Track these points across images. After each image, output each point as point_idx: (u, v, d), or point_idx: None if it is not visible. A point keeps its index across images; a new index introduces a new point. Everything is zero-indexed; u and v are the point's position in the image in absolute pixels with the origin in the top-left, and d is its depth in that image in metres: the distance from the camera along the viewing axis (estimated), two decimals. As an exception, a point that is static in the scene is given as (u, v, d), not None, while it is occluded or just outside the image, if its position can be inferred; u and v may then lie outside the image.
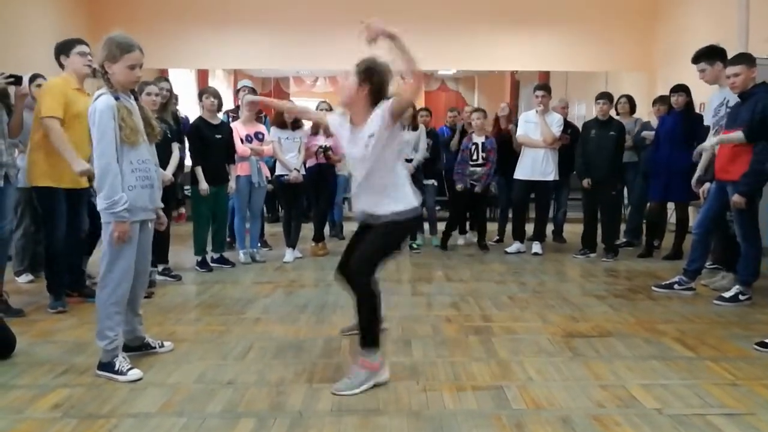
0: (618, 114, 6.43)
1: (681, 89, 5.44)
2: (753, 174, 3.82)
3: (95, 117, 2.64)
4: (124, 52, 2.68)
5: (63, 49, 3.79)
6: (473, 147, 6.08)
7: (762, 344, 3.14)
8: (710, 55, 4.40)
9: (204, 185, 4.99)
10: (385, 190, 2.69)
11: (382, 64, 2.65)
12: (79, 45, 3.79)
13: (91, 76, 3.77)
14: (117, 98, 2.68)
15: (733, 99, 4.14)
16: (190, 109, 8.36)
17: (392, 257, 2.74)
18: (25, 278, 4.70)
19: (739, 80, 3.90)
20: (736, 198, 3.89)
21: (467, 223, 6.73)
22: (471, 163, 6.07)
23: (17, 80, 3.74)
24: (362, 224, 2.82)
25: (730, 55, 4.28)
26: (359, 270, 2.64)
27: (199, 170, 5.01)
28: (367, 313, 2.61)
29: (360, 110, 2.69)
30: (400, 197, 2.70)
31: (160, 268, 4.77)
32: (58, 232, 3.80)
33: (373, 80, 2.63)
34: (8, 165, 3.71)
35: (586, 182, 5.76)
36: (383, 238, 2.67)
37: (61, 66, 3.81)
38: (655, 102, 6.16)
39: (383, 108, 2.61)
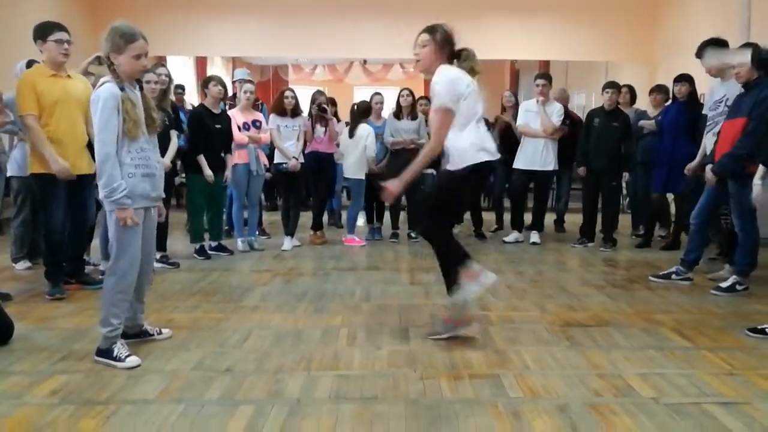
0: (618, 104, 6.41)
1: (684, 78, 5.39)
2: (729, 156, 3.85)
3: (98, 105, 2.62)
4: (128, 42, 2.66)
5: (40, 33, 3.69)
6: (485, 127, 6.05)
7: (754, 330, 3.17)
8: (715, 47, 4.37)
9: (208, 172, 4.98)
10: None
11: (442, 27, 3.08)
12: (58, 32, 3.69)
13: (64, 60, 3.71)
14: (122, 89, 2.67)
15: (733, 96, 4.13)
16: (188, 97, 8.33)
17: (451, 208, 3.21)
18: (22, 265, 4.69)
19: (744, 71, 3.87)
20: (708, 175, 4.02)
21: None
22: None
23: None
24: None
25: (732, 46, 4.25)
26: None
27: (201, 158, 4.99)
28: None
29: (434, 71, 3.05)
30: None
31: (158, 255, 4.76)
32: (55, 219, 3.79)
33: (436, 37, 3.04)
34: None
35: (582, 170, 5.77)
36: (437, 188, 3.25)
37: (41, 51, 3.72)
38: (652, 91, 6.14)
39: (433, 94, 3.03)
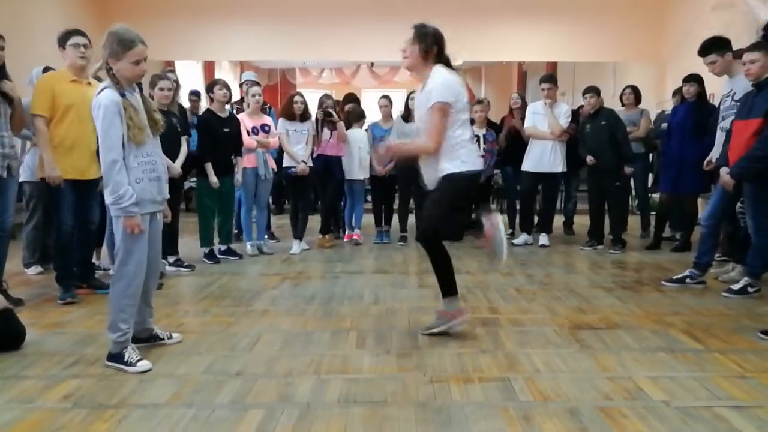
0: (623, 105, 6.41)
1: (693, 79, 5.36)
2: (747, 159, 3.77)
3: (99, 112, 2.62)
4: (127, 49, 2.65)
5: (60, 41, 3.79)
6: (474, 139, 6.06)
7: (766, 332, 3.14)
8: (720, 45, 4.34)
9: (214, 179, 5.00)
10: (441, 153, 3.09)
11: (431, 26, 3.08)
12: (74, 36, 3.76)
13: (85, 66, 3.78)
14: (122, 94, 2.66)
15: (740, 90, 4.09)
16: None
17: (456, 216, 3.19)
18: (34, 270, 4.73)
19: (755, 68, 3.82)
20: (726, 178, 3.92)
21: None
22: None
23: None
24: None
25: (737, 44, 4.23)
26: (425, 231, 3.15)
27: (208, 166, 5.01)
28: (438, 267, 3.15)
29: (421, 70, 3.11)
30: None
31: (172, 259, 4.80)
32: (65, 223, 3.82)
33: (426, 41, 3.04)
34: (11, 156, 3.72)
35: (589, 159, 5.70)
36: (440, 195, 3.11)
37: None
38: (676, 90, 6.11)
39: (432, 91, 3.00)
